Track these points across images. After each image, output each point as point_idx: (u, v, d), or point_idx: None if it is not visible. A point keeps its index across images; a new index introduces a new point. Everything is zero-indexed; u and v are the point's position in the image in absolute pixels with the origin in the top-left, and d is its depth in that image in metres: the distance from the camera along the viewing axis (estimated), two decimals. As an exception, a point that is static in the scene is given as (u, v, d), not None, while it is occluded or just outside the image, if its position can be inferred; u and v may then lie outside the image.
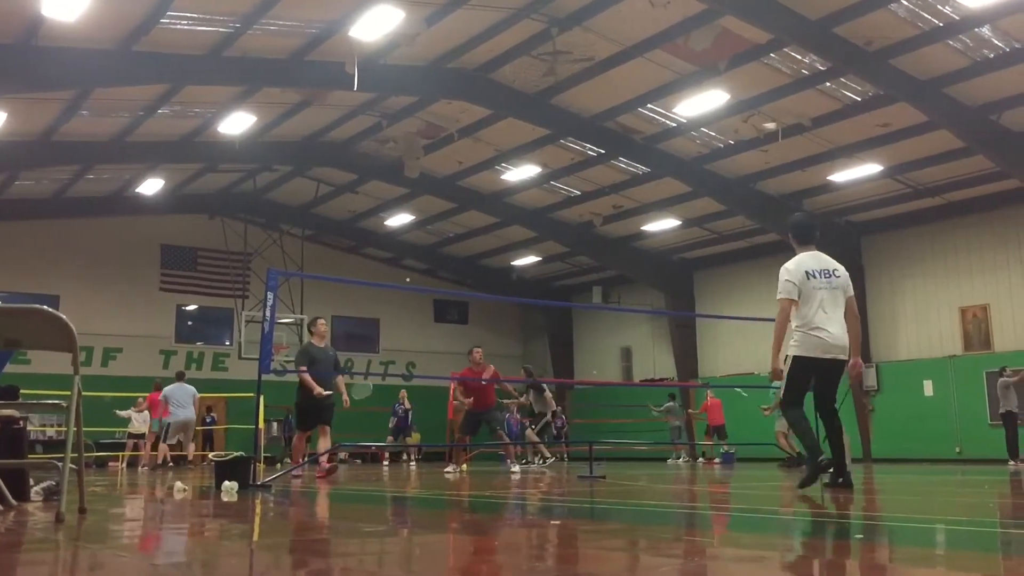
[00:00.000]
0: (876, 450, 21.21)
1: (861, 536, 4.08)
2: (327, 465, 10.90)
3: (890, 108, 16.56)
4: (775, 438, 15.68)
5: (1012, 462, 16.20)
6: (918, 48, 14.66)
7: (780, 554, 3.50)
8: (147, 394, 18.97)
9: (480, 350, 13.42)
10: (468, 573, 3.08)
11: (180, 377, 17.43)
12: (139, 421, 19.12)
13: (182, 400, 16.56)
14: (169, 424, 16.50)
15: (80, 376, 4.70)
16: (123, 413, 19.50)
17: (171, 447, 16.72)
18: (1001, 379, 16.95)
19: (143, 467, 17.13)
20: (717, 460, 19.41)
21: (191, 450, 17.09)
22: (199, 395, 17.10)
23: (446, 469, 13.02)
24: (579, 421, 26.00)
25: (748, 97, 16.87)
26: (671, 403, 20.87)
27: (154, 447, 17.39)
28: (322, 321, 11.99)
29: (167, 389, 16.85)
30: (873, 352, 21.85)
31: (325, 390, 11.05)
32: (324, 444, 11.05)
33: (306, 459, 11.83)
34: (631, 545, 3.79)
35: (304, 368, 10.91)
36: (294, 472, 10.83)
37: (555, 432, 25.20)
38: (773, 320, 6.94)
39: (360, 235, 27.46)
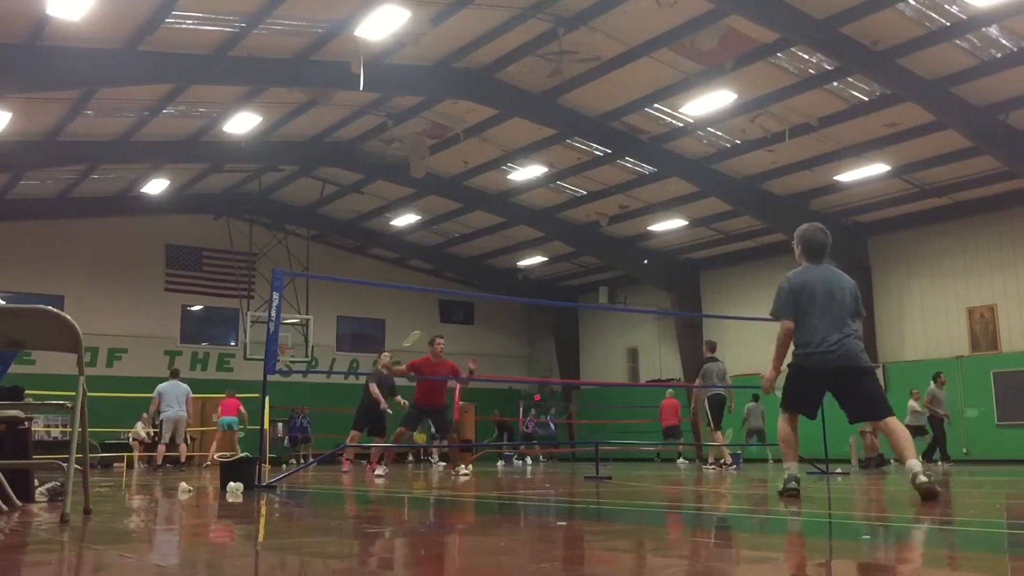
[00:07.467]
0: (883, 451, 21.09)
1: (868, 537, 4.05)
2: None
3: (897, 108, 16.52)
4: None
5: (941, 463, 16.41)
6: (925, 48, 14.61)
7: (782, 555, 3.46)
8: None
9: (442, 341, 12.16)
10: (471, 573, 3.05)
11: (174, 375, 17.27)
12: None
13: (174, 398, 16.42)
14: (162, 423, 16.40)
15: (85, 376, 4.68)
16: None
17: (165, 446, 16.47)
18: (932, 386, 17.06)
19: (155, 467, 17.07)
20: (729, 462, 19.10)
21: (183, 451, 16.91)
22: (193, 395, 16.91)
23: (462, 472, 12.01)
24: (586, 422, 25.97)
25: (755, 97, 16.83)
26: (751, 403, 19.95)
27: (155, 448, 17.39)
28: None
29: (160, 387, 16.69)
30: (880, 353, 21.77)
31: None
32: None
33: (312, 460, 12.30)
34: (637, 546, 3.76)
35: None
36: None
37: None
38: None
39: (366, 235, 27.46)
